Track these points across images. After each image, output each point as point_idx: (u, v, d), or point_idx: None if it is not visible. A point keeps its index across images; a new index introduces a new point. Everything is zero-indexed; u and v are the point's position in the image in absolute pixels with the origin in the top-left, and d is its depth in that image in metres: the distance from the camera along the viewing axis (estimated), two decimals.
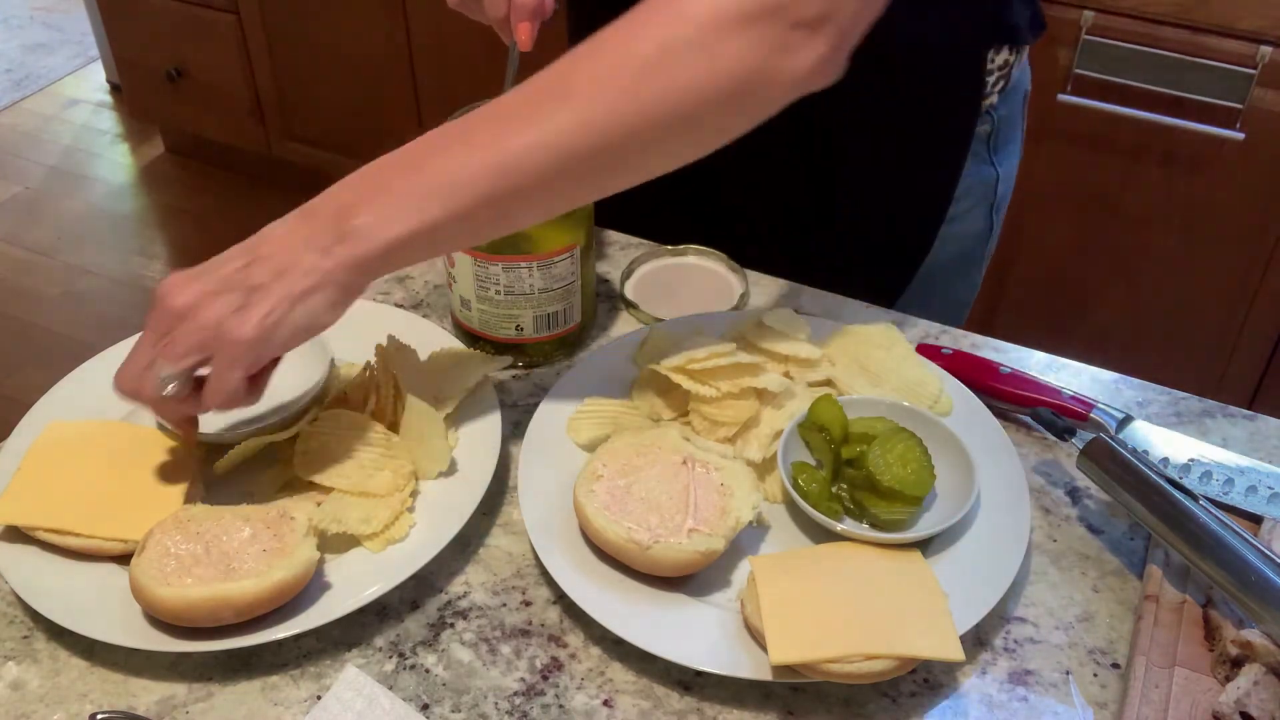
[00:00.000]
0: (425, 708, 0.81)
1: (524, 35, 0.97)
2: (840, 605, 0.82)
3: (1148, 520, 0.86)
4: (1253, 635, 0.79)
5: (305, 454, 0.93)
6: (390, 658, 0.85)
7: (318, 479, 0.91)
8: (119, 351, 1.05)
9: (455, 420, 0.98)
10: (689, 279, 1.17)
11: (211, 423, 0.98)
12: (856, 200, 1.23)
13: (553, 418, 0.99)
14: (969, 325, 1.14)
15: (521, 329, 1.04)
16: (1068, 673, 0.83)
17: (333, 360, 1.01)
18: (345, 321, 1.06)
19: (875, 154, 1.20)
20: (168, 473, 0.93)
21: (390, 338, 0.99)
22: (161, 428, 0.96)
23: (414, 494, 0.93)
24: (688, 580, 0.87)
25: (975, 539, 0.89)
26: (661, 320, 1.09)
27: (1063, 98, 2.07)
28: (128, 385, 0.86)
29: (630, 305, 1.13)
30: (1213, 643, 0.82)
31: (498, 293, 1.02)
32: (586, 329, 1.10)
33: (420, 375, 0.98)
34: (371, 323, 1.07)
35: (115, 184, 3.60)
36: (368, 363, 1.00)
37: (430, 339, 1.05)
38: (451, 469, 0.94)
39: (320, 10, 2.89)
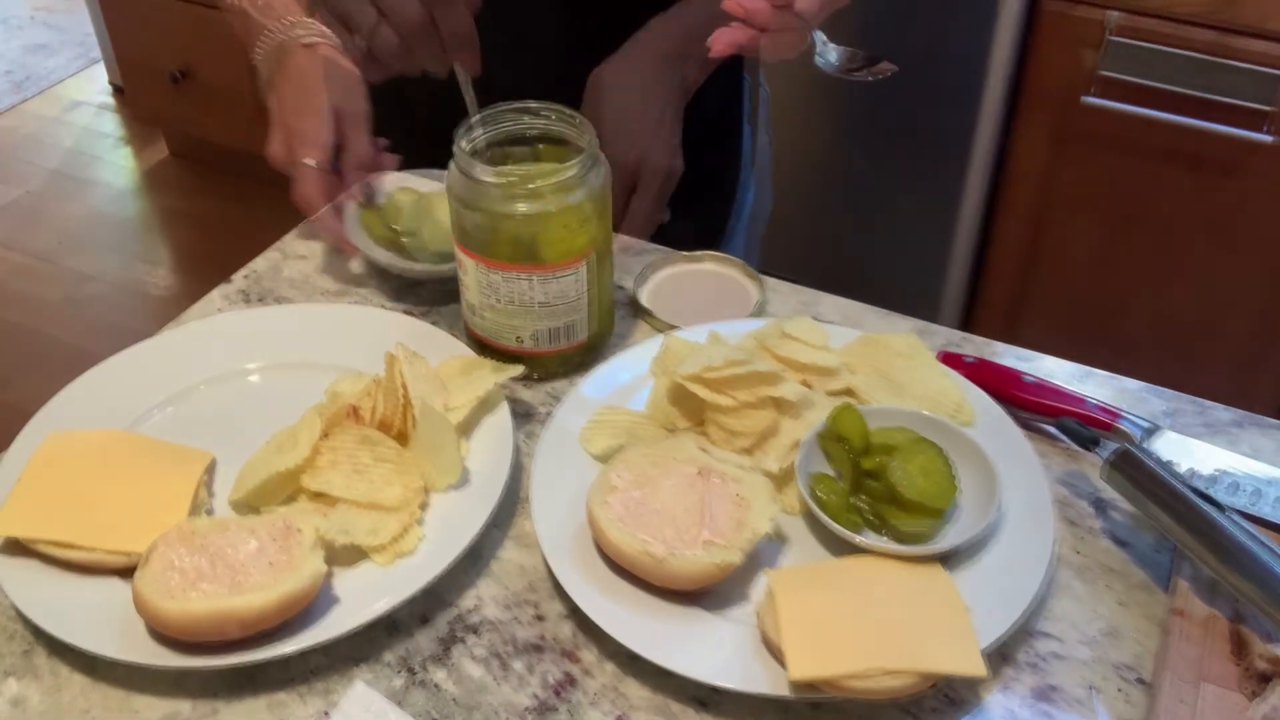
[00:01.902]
0: None
1: (473, 61, 1.01)
2: (860, 620, 0.81)
3: (1175, 532, 0.85)
4: None
5: (315, 470, 0.91)
6: (399, 673, 0.84)
7: (323, 491, 0.90)
8: (122, 359, 1.05)
9: (466, 430, 0.97)
10: (705, 286, 1.16)
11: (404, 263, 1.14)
12: None
13: (566, 427, 0.98)
14: (993, 333, 1.14)
15: (522, 340, 1.03)
16: (1093, 689, 0.82)
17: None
18: (354, 329, 1.06)
19: None
20: (172, 484, 0.92)
21: (400, 345, 0.98)
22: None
23: (423, 506, 0.91)
24: (704, 594, 0.86)
25: (998, 552, 0.88)
26: (677, 328, 1.08)
27: (1087, 100, 2.06)
28: None
29: (645, 313, 1.12)
30: (1241, 658, 0.81)
31: (500, 301, 1.01)
32: (596, 347, 1.08)
33: (430, 384, 0.97)
34: (381, 331, 1.06)
35: (117, 188, 3.60)
36: (379, 375, 0.98)
37: (441, 347, 1.04)
38: (463, 480, 0.93)
39: None
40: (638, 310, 1.13)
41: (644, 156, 1.13)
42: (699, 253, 1.18)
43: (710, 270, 1.18)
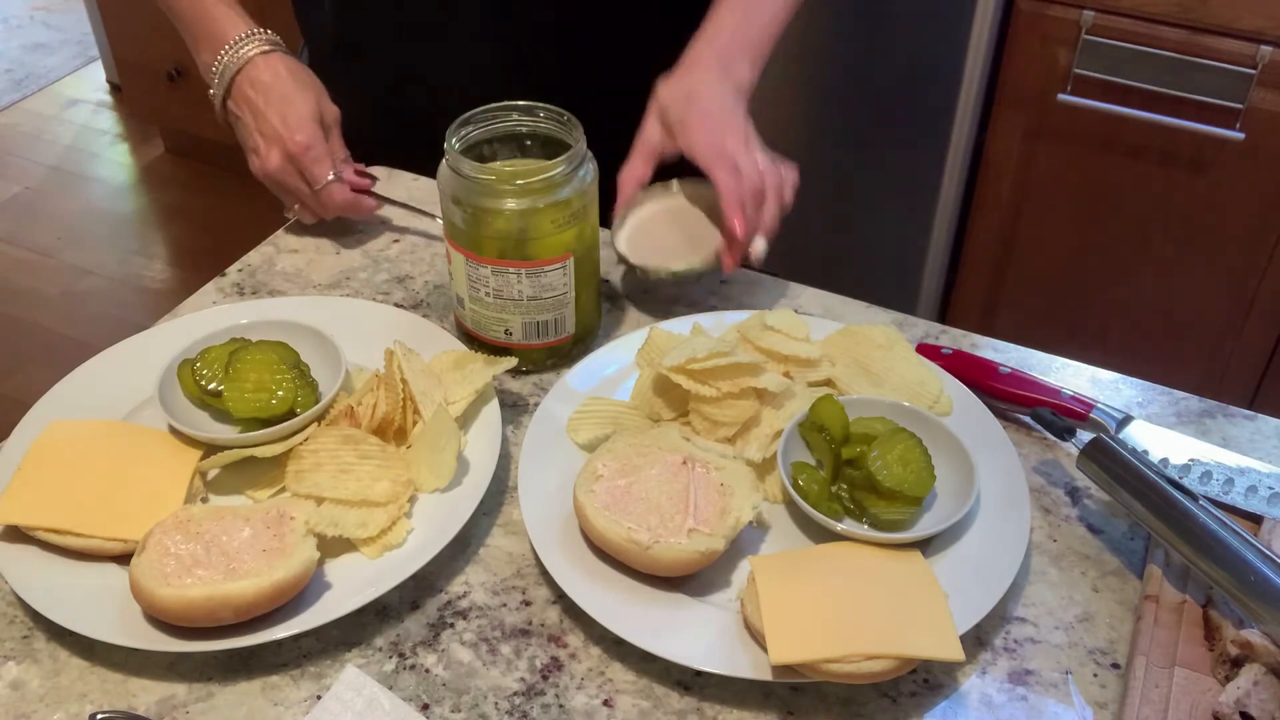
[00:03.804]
0: (425, 708, 0.81)
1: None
2: (840, 605, 0.82)
3: (1148, 520, 0.86)
4: (1253, 635, 0.79)
5: (298, 473, 0.92)
6: (390, 658, 0.85)
7: (313, 495, 0.91)
8: (119, 351, 1.06)
9: (463, 424, 0.98)
10: (681, 219, 1.15)
11: (217, 429, 0.98)
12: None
13: (553, 418, 0.99)
14: (969, 325, 1.14)
15: (511, 334, 1.04)
16: (1068, 673, 0.83)
17: (346, 372, 1.00)
18: (346, 321, 1.07)
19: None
20: (168, 472, 0.93)
21: (397, 343, 0.99)
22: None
23: (412, 499, 0.92)
24: (688, 580, 0.87)
25: (975, 539, 0.89)
26: (656, 270, 1.09)
27: (1063, 98, 2.07)
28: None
29: (625, 261, 1.12)
30: (1213, 643, 0.82)
31: (487, 295, 1.02)
32: (583, 341, 1.08)
33: (427, 379, 0.98)
34: (372, 323, 1.07)
35: (115, 184, 3.60)
36: (376, 371, 1.00)
37: (431, 340, 1.05)
38: (451, 484, 0.93)
39: None
40: (617, 258, 1.13)
41: (763, 166, 1.09)
42: (668, 181, 1.17)
43: (682, 203, 1.17)
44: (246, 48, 1.18)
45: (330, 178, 1.17)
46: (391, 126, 1.32)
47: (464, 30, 1.25)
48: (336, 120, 1.21)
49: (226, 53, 1.18)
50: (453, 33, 1.25)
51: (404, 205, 1.24)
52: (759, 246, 1.08)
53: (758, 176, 1.08)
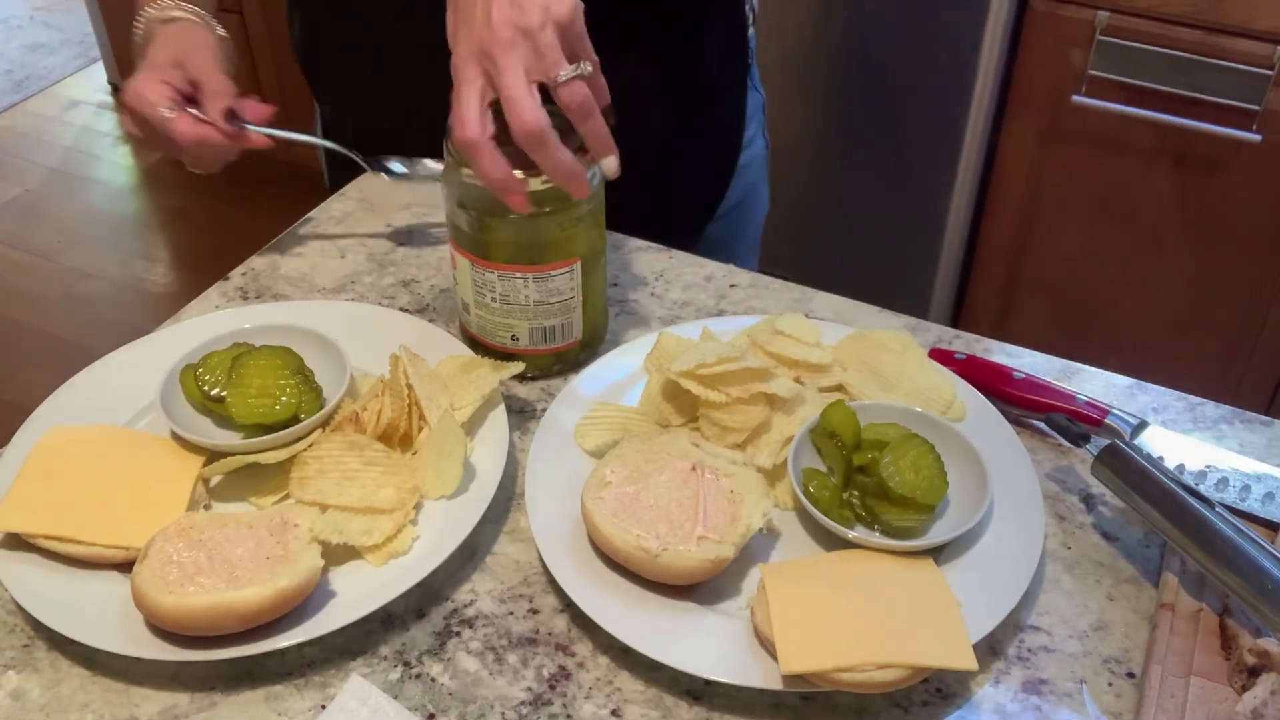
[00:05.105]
0: (431, 717, 0.81)
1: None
2: (852, 613, 0.82)
3: (1163, 527, 0.86)
4: (1270, 644, 0.78)
5: (302, 479, 0.92)
6: (395, 667, 0.84)
7: (317, 501, 0.90)
8: (120, 356, 1.06)
9: (469, 429, 0.97)
10: None
11: (220, 435, 0.97)
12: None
13: (561, 424, 0.98)
14: (982, 329, 1.14)
15: (517, 339, 1.03)
16: (1082, 682, 0.83)
17: (351, 377, 1.00)
18: (351, 326, 1.06)
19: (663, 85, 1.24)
20: (170, 479, 0.93)
21: (402, 348, 0.98)
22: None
23: (418, 506, 0.92)
24: (697, 588, 0.86)
25: (988, 546, 0.88)
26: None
27: (1077, 99, 2.07)
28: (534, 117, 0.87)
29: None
30: (1229, 651, 0.81)
31: (493, 300, 1.01)
32: (590, 346, 1.08)
33: (433, 384, 0.97)
34: (378, 327, 1.07)
35: (116, 186, 3.60)
36: (381, 376, 0.99)
37: (437, 345, 1.04)
38: (457, 491, 0.93)
39: None
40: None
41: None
42: None
43: None
44: (165, 14, 1.13)
45: (165, 114, 1.08)
46: (394, 128, 1.32)
47: None
48: (204, 56, 1.13)
49: (143, 19, 1.14)
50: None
51: (280, 137, 1.17)
52: (609, 165, 0.94)
53: (531, 118, 0.87)
